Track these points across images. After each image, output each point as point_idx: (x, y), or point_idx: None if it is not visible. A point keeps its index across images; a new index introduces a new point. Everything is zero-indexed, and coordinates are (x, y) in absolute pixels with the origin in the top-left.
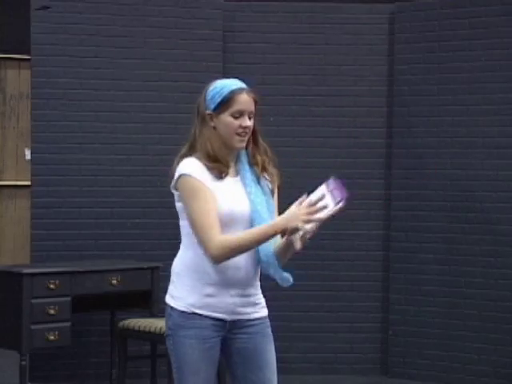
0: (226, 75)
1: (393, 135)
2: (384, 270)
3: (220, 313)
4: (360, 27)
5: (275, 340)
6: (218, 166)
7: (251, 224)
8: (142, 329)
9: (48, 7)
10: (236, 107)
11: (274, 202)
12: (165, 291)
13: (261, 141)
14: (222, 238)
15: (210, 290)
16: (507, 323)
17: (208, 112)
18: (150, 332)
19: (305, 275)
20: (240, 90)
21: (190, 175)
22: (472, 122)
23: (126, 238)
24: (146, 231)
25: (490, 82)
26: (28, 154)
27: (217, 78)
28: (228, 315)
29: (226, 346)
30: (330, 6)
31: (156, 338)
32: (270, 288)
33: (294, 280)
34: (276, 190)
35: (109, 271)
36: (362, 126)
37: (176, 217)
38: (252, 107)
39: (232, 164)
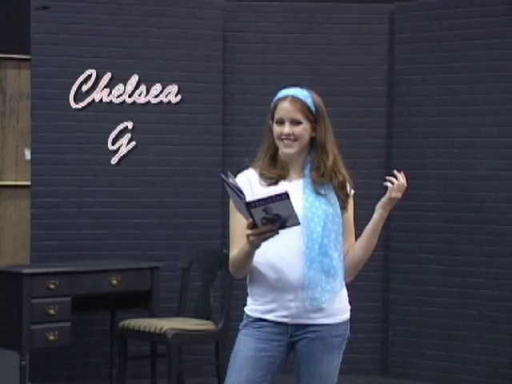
0: (226, 75)
1: (393, 135)
2: (384, 270)
3: (282, 317)
4: (360, 27)
5: None
6: (274, 174)
7: (306, 224)
8: (142, 329)
9: (48, 7)
10: (277, 115)
11: (348, 212)
12: (165, 291)
13: (328, 148)
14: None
15: (270, 295)
16: (507, 323)
17: (270, 122)
18: (149, 332)
19: None
20: (283, 98)
21: None
22: (472, 122)
23: (126, 238)
24: (146, 231)
25: (489, 82)
26: (28, 154)
27: (217, 77)
28: (289, 319)
29: (293, 346)
30: (330, 6)
31: (156, 338)
32: None
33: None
34: (351, 201)
35: (109, 271)
36: (362, 125)
37: (175, 216)
38: (293, 114)
39: (296, 168)
